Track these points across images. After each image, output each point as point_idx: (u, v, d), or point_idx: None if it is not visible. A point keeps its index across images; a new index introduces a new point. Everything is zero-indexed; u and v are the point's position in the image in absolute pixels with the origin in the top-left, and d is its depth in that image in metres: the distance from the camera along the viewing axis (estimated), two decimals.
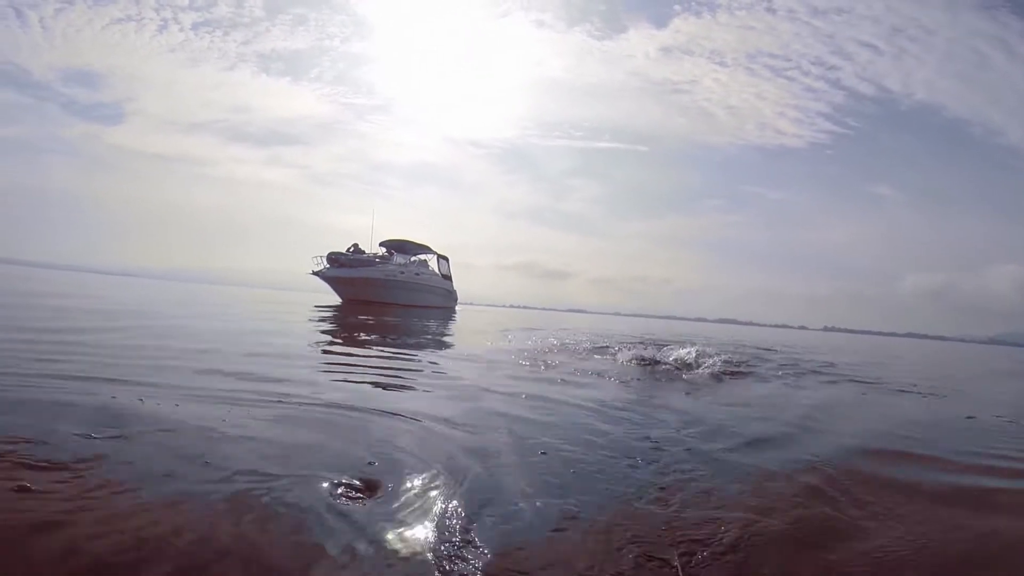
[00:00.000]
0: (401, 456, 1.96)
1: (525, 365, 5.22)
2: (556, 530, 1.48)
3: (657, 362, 5.83)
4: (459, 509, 1.54)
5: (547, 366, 5.20)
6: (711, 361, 5.89)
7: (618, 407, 3.30)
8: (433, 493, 1.64)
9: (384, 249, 28.74)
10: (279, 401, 2.68)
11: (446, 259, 33.15)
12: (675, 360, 5.87)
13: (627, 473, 2.01)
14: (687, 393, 4.22)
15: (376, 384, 3.56)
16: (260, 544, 1.26)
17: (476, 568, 1.24)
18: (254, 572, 1.16)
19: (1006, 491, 2.17)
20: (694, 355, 6.05)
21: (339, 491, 1.59)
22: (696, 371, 5.49)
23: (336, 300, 24.69)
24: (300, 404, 2.67)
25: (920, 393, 5.52)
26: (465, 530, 1.41)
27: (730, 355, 7.00)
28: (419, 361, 5.10)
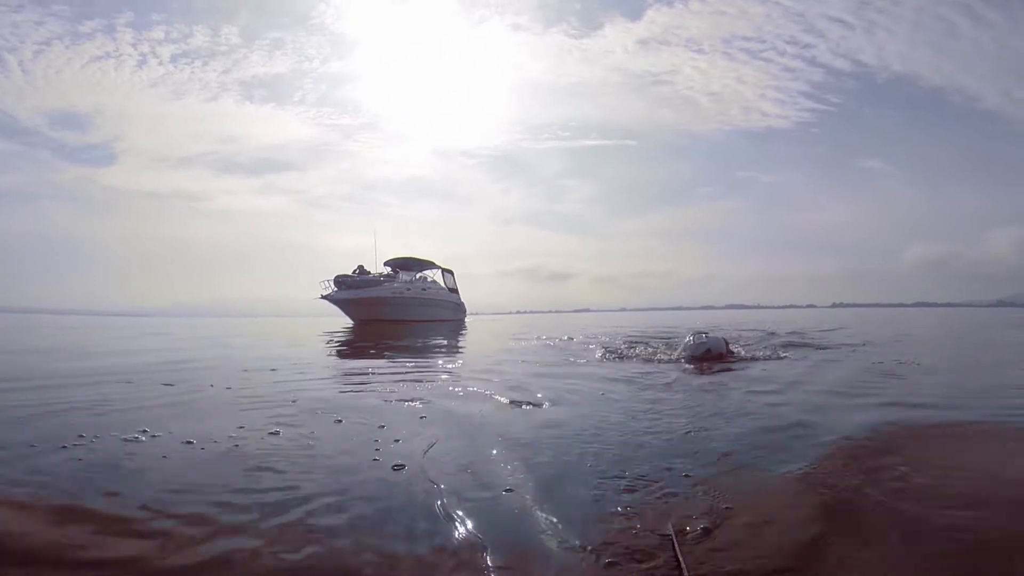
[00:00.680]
0: None
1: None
2: None
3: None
4: None
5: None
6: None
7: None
8: None
9: (389, 268, 29.16)
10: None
11: (451, 272, 33.52)
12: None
13: None
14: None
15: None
16: None
17: None
18: None
19: None
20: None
21: None
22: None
23: (347, 322, 25.04)
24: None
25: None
26: None
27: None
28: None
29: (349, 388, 4.54)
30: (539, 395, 3.87)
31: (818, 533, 1.55)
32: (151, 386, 4.32)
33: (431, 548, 1.48)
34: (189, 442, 2.52)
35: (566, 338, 10.73)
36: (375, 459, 2.29)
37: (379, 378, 5.13)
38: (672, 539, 1.46)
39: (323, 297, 25.98)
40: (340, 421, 3.05)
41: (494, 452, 2.39)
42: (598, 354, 6.96)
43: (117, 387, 4.25)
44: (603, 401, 3.69)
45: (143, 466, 2.17)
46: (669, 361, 6.12)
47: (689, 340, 6.43)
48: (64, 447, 2.42)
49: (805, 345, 8.12)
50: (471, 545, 1.49)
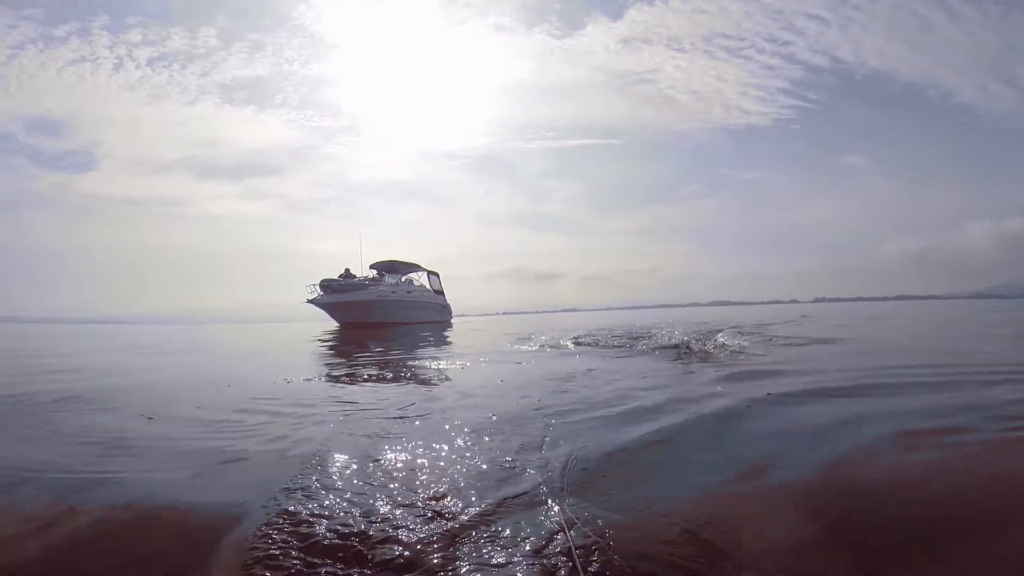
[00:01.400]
0: None
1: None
2: None
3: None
4: None
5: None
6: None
7: None
8: None
9: (375, 271, 29.32)
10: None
11: (436, 275, 33.75)
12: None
13: None
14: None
15: None
16: None
17: None
18: None
19: None
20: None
21: None
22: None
23: (334, 325, 25.13)
24: None
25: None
26: None
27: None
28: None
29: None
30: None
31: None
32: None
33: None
34: None
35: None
36: None
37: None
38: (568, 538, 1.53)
39: (309, 301, 26.03)
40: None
41: None
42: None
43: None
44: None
45: None
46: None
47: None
48: None
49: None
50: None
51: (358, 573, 1.42)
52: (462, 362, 6.48)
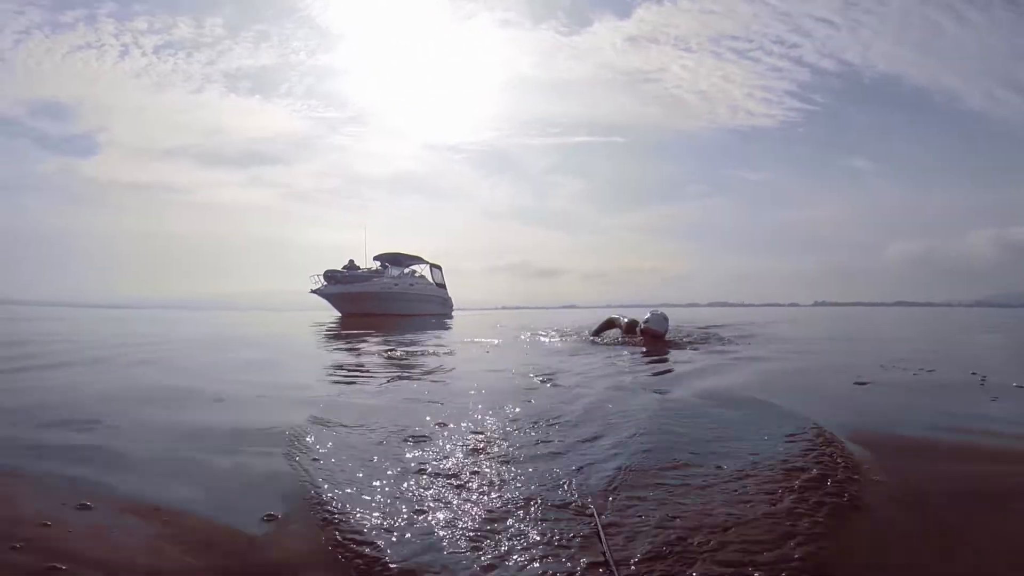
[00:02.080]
0: None
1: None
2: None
3: None
4: None
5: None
6: None
7: None
8: None
9: (378, 263, 29.94)
10: None
11: (439, 268, 34.37)
12: None
13: None
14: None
15: None
16: None
17: None
18: None
19: None
20: None
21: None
22: None
23: (336, 315, 25.79)
24: None
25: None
26: None
27: None
28: None
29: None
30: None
31: None
32: None
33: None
34: None
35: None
36: None
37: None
38: (595, 518, 1.63)
39: (314, 291, 26.69)
40: None
41: None
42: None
43: None
44: None
45: None
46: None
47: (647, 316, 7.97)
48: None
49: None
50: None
51: None
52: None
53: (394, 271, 29.59)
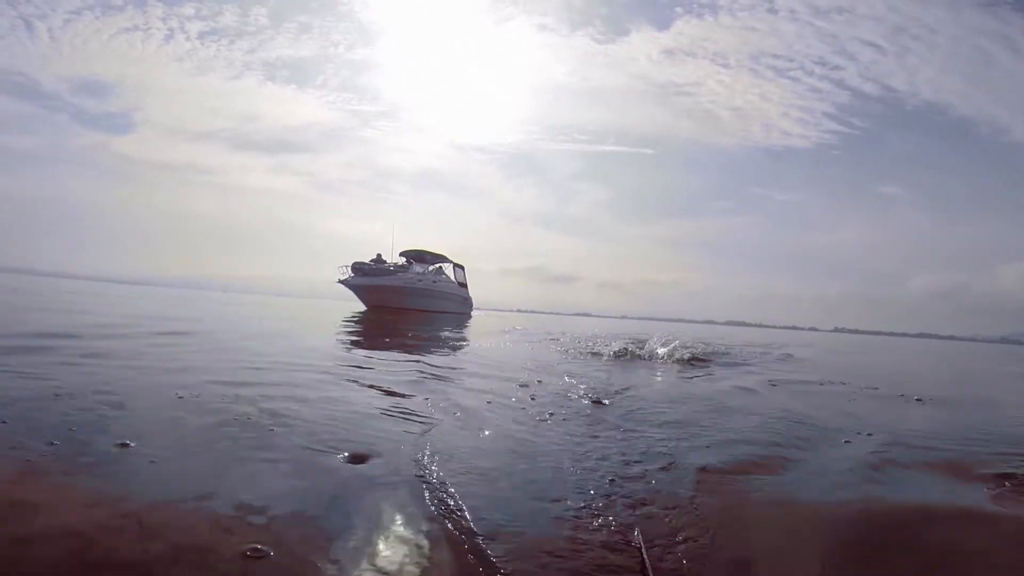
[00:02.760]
0: None
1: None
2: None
3: None
4: None
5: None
6: None
7: None
8: None
9: (404, 259, 30.81)
10: None
11: (462, 268, 35.17)
12: None
13: None
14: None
15: None
16: None
17: None
18: None
19: None
20: None
21: None
22: None
23: (361, 307, 26.67)
24: None
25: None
26: None
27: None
28: None
29: None
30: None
31: None
32: None
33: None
34: None
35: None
36: None
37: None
38: (640, 547, 1.50)
39: (340, 282, 27.61)
40: None
41: None
42: None
43: None
44: None
45: None
46: None
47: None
48: None
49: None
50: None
51: None
52: None
53: (419, 268, 30.45)
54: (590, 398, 3.81)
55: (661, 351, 7.51)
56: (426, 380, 4.36)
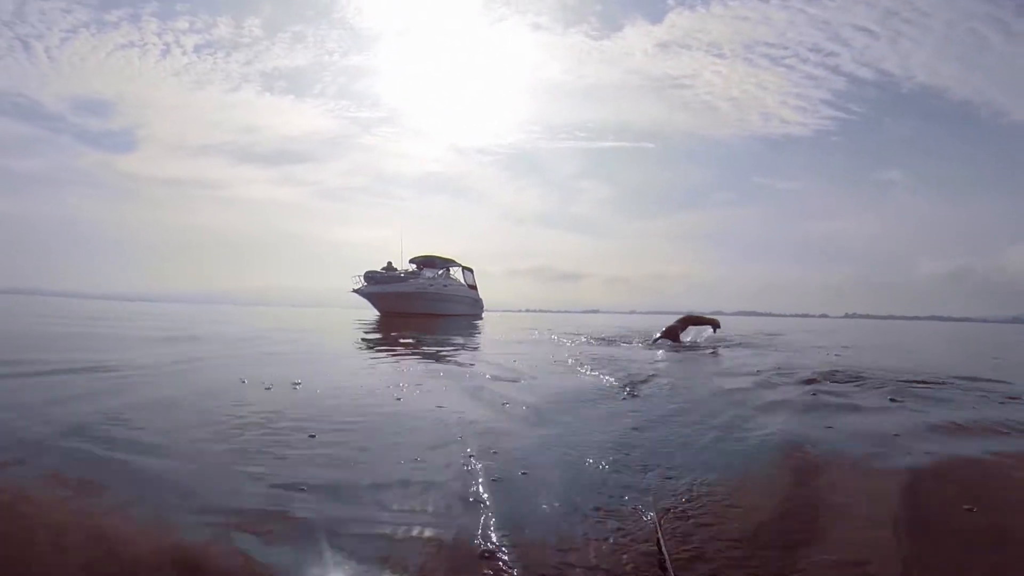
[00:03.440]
0: None
1: None
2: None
3: None
4: None
5: None
6: None
7: None
8: None
9: (414, 265, 31.42)
10: None
11: (470, 270, 35.71)
12: None
13: None
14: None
15: None
16: None
17: None
18: None
19: None
20: None
21: None
22: None
23: (375, 313, 27.23)
24: None
25: None
26: None
27: None
28: None
29: None
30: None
31: None
32: None
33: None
34: None
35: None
36: None
37: None
38: (656, 525, 1.53)
39: (355, 291, 28.27)
40: None
41: None
42: None
43: None
44: None
45: None
46: None
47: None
48: None
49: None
50: None
51: None
52: None
53: (429, 273, 31.02)
54: None
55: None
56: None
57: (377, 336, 10.84)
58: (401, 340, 9.20)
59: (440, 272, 32.17)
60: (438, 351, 7.30)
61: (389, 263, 29.92)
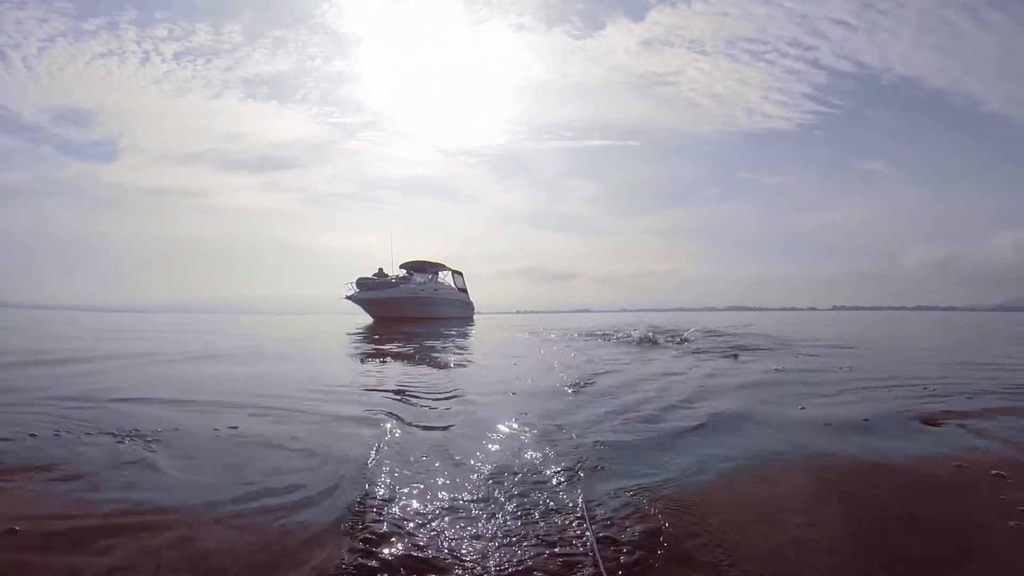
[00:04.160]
0: None
1: None
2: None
3: None
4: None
5: None
6: None
7: None
8: None
9: (405, 270, 31.63)
10: None
11: (460, 274, 36.02)
12: None
13: None
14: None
15: None
16: None
17: None
18: None
19: None
20: None
21: None
22: None
23: (368, 319, 27.26)
24: None
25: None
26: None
27: None
28: None
29: None
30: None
31: None
32: None
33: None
34: None
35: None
36: None
37: None
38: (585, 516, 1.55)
39: (347, 297, 28.37)
40: None
41: None
42: None
43: None
44: None
45: None
46: None
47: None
48: None
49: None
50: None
51: None
52: None
53: (419, 278, 31.22)
54: None
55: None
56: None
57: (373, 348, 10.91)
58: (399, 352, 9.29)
59: (430, 276, 32.35)
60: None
61: (380, 269, 30.16)
